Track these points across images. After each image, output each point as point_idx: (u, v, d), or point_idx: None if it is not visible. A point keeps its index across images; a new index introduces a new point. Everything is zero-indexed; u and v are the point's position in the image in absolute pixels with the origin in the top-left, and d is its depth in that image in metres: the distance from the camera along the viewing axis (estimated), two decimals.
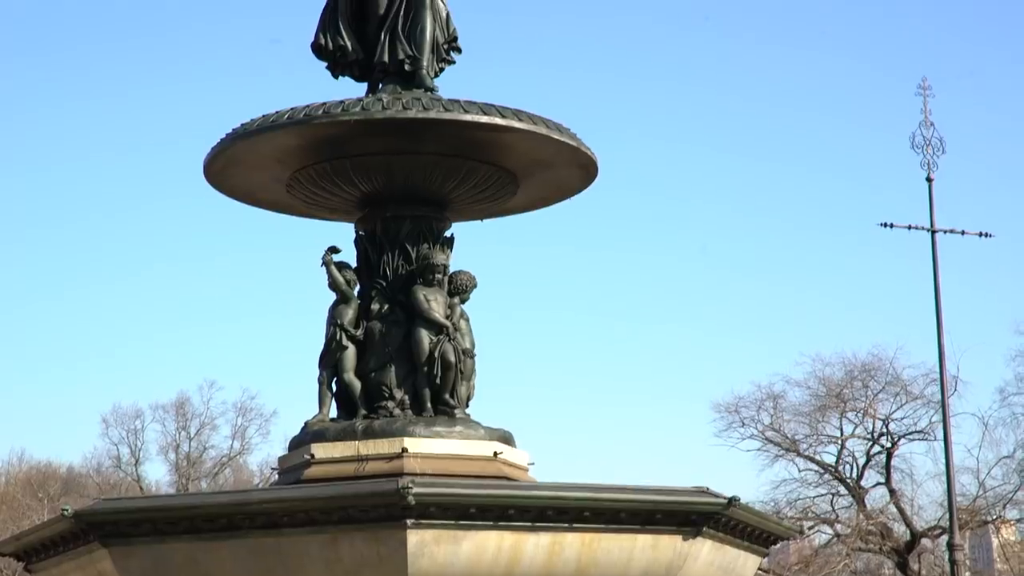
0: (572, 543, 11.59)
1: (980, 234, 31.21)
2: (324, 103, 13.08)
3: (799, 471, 45.60)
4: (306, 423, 13.61)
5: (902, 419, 44.68)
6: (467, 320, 13.90)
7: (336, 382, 13.73)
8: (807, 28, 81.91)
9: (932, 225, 29.81)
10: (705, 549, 12.14)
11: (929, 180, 30.28)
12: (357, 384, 13.59)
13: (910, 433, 44.48)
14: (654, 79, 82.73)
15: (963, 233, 30.81)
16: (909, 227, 30.32)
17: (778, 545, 15.55)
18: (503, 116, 13.08)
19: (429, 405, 13.40)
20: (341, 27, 14.26)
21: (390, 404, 13.45)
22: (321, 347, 13.82)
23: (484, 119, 13.04)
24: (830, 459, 45.41)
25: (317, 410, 13.68)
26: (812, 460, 45.54)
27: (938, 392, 34.46)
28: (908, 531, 42.80)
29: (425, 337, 13.47)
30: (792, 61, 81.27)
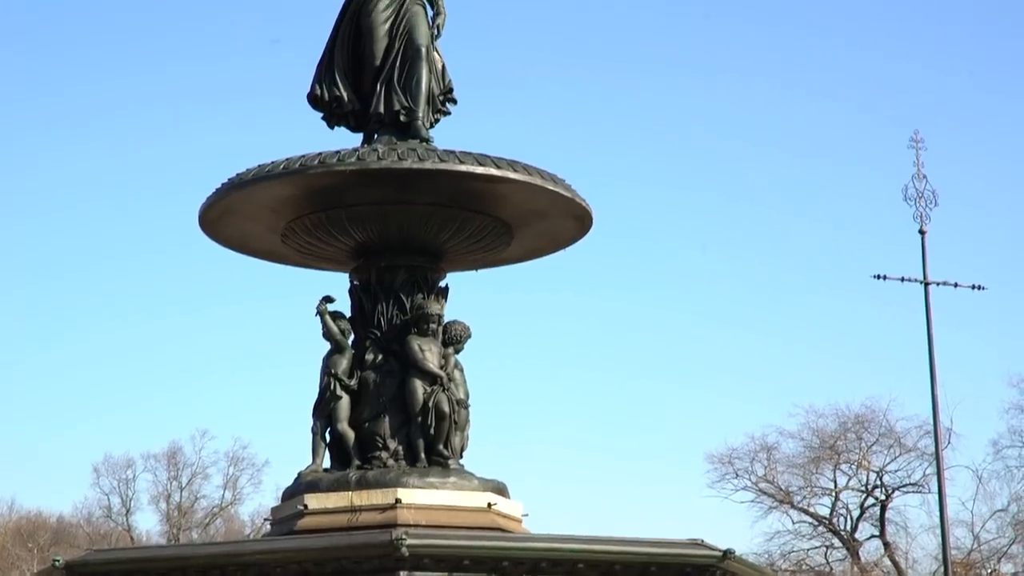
0: None
1: (973, 286, 31.22)
2: (320, 153, 13.12)
3: (793, 523, 45.56)
4: (299, 473, 13.56)
5: (896, 471, 44.68)
6: (461, 370, 13.89)
7: (330, 432, 13.69)
8: (799, 80, 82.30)
9: (925, 277, 29.82)
10: None
11: (922, 232, 30.33)
12: (351, 434, 13.56)
13: (904, 485, 44.44)
14: (648, 128, 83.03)
15: (956, 285, 30.82)
16: (902, 279, 30.34)
17: None
18: (498, 167, 13.12)
19: (423, 455, 13.36)
20: (337, 78, 14.34)
21: (384, 454, 13.42)
22: (315, 397, 13.79)
23: (479, 170, 13.08)
24: (824, 511, 45.35)
25: (310, 460, 13.63)
26: (806, 512, 45.47)
27: (932, 444, 34.45)
28: None
29: (419, 387, 13.45)
30: (785, 112, 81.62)
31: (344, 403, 13.61)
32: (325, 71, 14.44)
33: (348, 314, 14.02)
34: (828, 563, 44.74)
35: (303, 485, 13.34)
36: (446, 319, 13.93)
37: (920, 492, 43.91)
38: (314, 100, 14.48)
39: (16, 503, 71.05)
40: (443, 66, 14.49)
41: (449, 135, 14.33)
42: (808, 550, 45.07)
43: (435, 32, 14.44)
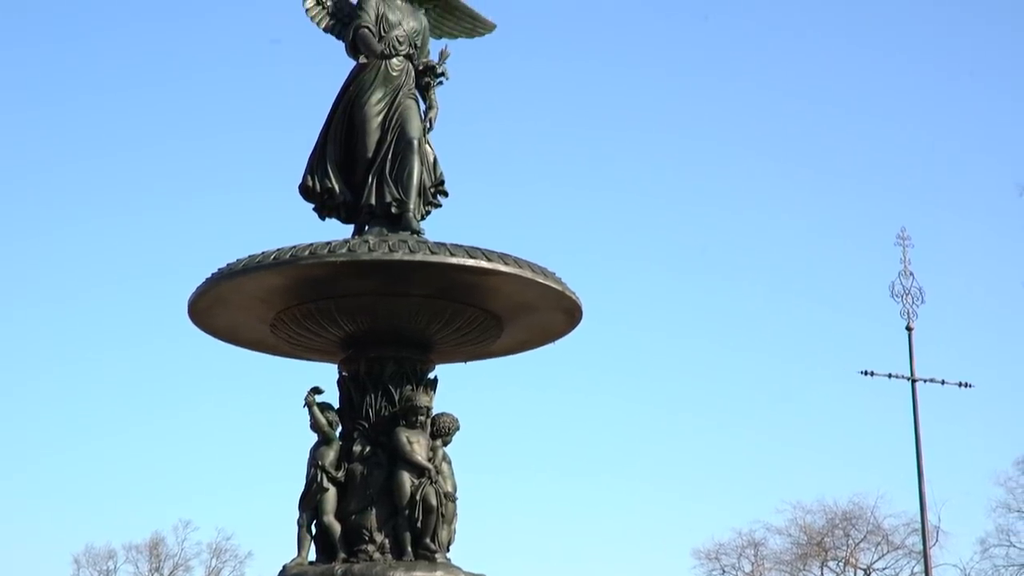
0: None
1: (960, 384, 31.29)
2: (311, 244, 13.15)
3: None
4: (284, 566, 13.45)
5: (884, 569, 44.52)
6: (449, 463, 13.84)
7: (316, 524, 13.60)
8: (786, 176, 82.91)
9: (912, 374, 29.89)
10: None
11: (909, 329, 30.46)
12: (337, 527, 13.47)
13: None
14: (639, 218, 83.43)
15: (943, 383, 30.88)
16: (889, 375, 30.40)
17: None
18: (488, 259, 13.17)
19: (410, 549, 13.28)
20: (329, 170, 14.42)
21: (370, 548, 13.33)
22: (301, 488, 13.71)
23: (470, 262, 13.12)
24: None
25: (296, 553, 13.53)
26: None
27: (920, 542, 34.35)
28: None
29: (407, 480, 13.39)
30: (772, 207, 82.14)
31: (331, 495, 13.54)
32: (317, 163, 14.53)
33: (336, 405, 13.99)
34: None
35: None
36: (434, 411, 13.90)
37: None
38: (306, 191, 14.56)
39: None
40: (435, 159, 14.61)
41: (440, 227, 14.41)
42: None
43: (427, 125, 14.57)
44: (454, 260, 13.10)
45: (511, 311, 14.02)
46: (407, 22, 14.70)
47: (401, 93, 14.50)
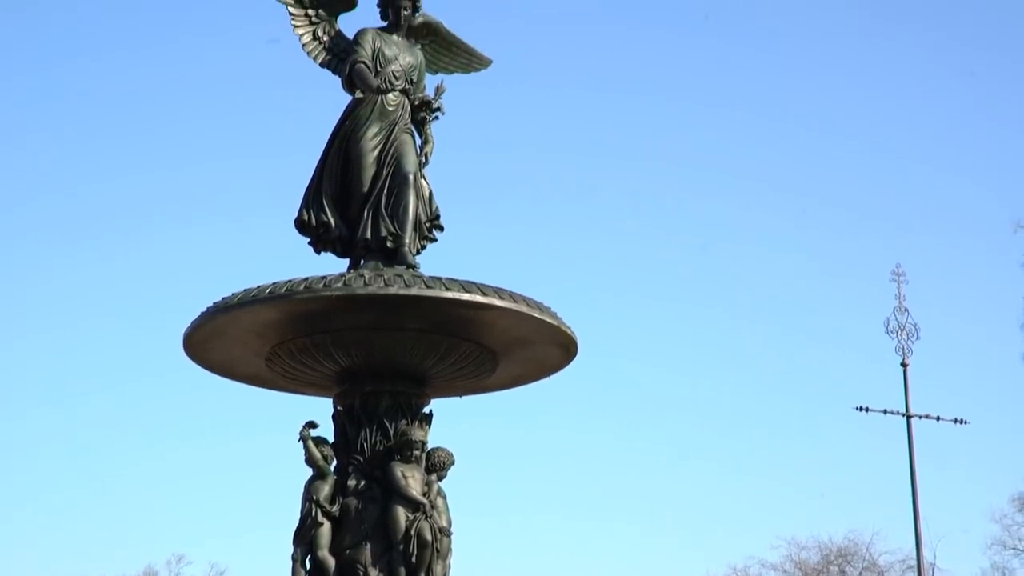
0: None
1: (956, 420, 31.29)
2: (306, 278, 13.17)
3: None
4: None
5: None
6: (444, 498, 13.82)
7: (310, 559, 13.56)
8: (779, 214, 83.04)
9: (908, 410, 29.91)
10: None
11: (904, 365, 30.48)
12: (331, 561, 13.43)
13: None
14: (635, 256, 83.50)
15: (938, 419, 30.89)
16: (885, 411, 30.42)
17: None
18: (484, 294, 13.19)
19: None
20: (325, 204, 14.45)
21: None
22: (296, 523, 13.68)
23: (465, 296, 13.14)
24: None
25: None
26: None
27: None
28: None
29: (401, 515, 13.37)
30: (765, 244, 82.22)
31: (325, 530, 13.50)
32: (313, 197, 14.55)
33: (331, 440, 13.97)
34: None
35: None
36: (430, 446, 13.89)
37: None
38: (301, 225, 14.58)
39: None
40: (430, 193, 14.65)
41: (436, 261, 14.43)
42: None
43: (423, 160, 14.62)
44: (449, 294, 13.12)
45: (506, 345, 14.02)
46: (403, 57, 14.76)
47: (397, 128, 14.54)
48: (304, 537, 13.57)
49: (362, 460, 13.72)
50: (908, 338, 30.36)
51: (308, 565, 13.58)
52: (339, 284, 13.11)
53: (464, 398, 15.09)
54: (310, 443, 13.73)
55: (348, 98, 14.75)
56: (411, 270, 13.81)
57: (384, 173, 14.38)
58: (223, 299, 13.53)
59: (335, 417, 14.17)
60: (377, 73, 14.59)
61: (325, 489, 13.61)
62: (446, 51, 15.45)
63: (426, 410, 14.17)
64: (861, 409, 30.59)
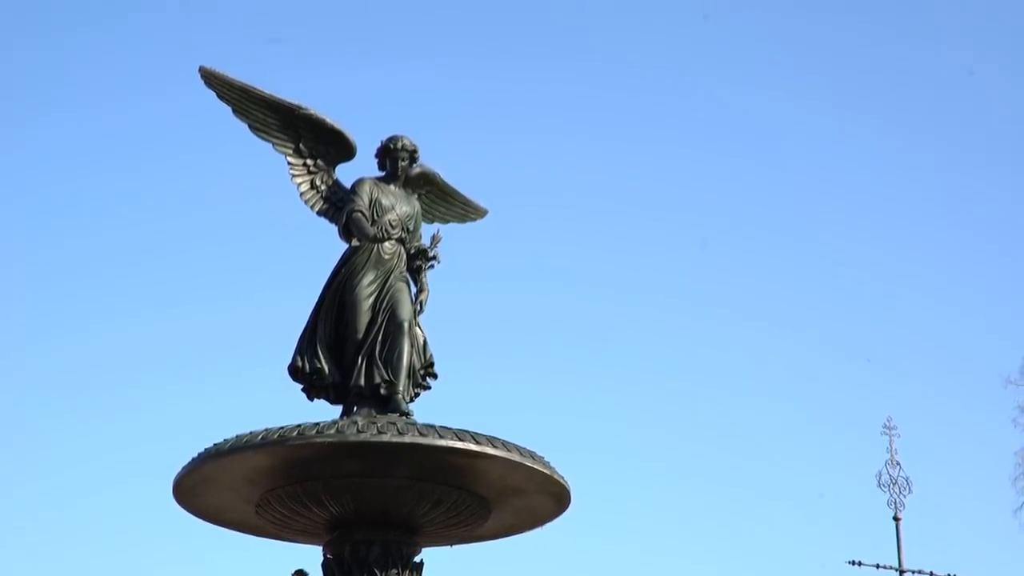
0: None
1: (949, 575, 30.99)
2: (299, 425, 13.17)
3: None
4: None
5: None
6: None
7: None
8: (769, 367, 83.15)
9: (900, 564, 29.61)
10: None
11: (896, 519, 30.29)
12: None
13: None
14: (630, 404, 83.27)
15: (931, 574, 30.60)
16: (877, 566, 30.08)
17: None
18: (477, 442, 13.18)
19: None
20: (319, 351, 14.48)
21: None
22: None
23: (458, 445, 13.13)
24: None
25: None
26: None
27: None
28: None
29: None
30: (756, 396, 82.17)
31: None
32: (307, 343, 14.59)
33: None
34: None
35: None
36: None
37: None
38: (295, 372, 14.60)
39: None
40: (425, 341, 14.69)
41: (430, 409, 14.42)
42: None
43: (418, 308, 14.69)
44: (443, 443, 13.11)
45: (499, 494, 13.97)
46: (400, 207, 14.90)
47: (392, 276, 14.63)
48: None
49: None
50: (900, 492, 30.16)
51: None
52: (332, 431, 13.10)
53: (455, 547, 14.97)
54: None
55: (344, 246, 14.87)
56: (404, 418, 13.80)
57: (379, 320, 14.43)
58: (214, 445, 13.50)
59: (324, 565, 14.04)
60: (374, 222, 14.72)
61: None
62: (443, 201, 15.62)
63: (417, 559, 14.05)
64: (854, 563, 30.27)
